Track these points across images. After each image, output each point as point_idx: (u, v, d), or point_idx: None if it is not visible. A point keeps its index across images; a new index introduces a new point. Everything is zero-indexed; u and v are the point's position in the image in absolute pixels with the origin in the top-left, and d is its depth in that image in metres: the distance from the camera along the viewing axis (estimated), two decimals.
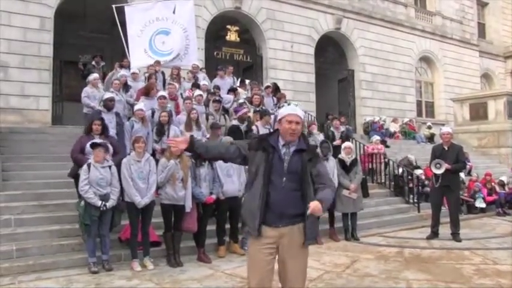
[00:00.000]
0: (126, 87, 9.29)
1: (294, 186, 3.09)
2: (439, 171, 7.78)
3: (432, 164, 7.99)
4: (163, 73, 10.87)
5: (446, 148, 8.12)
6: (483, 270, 5.77)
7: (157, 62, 10.77)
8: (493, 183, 12.05)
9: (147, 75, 10.26)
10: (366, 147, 11.72)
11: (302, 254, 3.18)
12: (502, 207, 11.46)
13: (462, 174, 11.72)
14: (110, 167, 5.94)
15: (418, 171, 11.16)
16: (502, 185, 12.10)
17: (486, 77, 27.72)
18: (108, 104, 7.44)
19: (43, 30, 12.43)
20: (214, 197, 6.56)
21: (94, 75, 9.34)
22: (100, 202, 5.71)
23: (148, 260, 6.07)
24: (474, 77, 25.31)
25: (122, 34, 11.31)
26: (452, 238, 7.83)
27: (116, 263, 6.07)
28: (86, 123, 7.24)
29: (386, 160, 11.66)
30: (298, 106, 12.11)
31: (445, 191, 8.06)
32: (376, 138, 12.70)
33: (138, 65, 10.73)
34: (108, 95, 7.83)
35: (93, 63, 11.82)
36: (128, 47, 11.21)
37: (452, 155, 8.00)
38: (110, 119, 7.18)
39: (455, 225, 7.96)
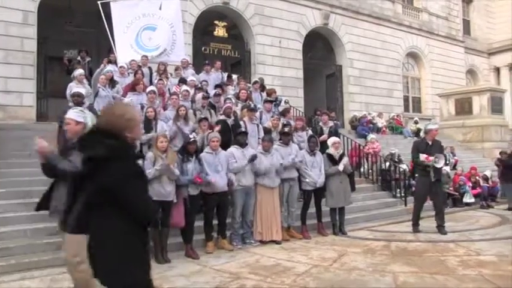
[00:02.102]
0: (112, 82, 9.21)
1: None
2: (439, 165, 7.88)
3: (433, 160, 8.06)
4: (150, 68, 10.81)
5: (430, 143, 8.22)
6: (466, 262, 5.86)
7: (145, 57, 10.71)
8: (477, 177, 12.20)
9: (130, 71, 10.19)
10: (361, 148, 11.81)
11: None
12: (486, 200, 11.65)
13: (448, 168, 11.88)
14: None
15: (404, 166, 11.25)
16: (485, 178, 12.29)
17: (471, 72, 28.03)
18: (76, 100, 7.24)
19: (26, 24, 12.22)
20: (202, 179, 6.49)
21: (79, 71, 9.23)
22: None
23: None
24: (459, 72, 25.58)
25: (107, 29, 11.21)
26: (438, 231, 7.92)
27: None
28: (58, 121, 7.10)
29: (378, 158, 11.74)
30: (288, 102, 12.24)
31: (434, 185, 8.13)
32: (371, 137, 12.76)
33: (125, 60, 10.66)
34: (74, 89, 7.65)
35: (79, 58, 11.70)
36: (114, 42, 11.11)
37: (436, 149, 8.14)
38: None
39: (441, 218, 8.06)
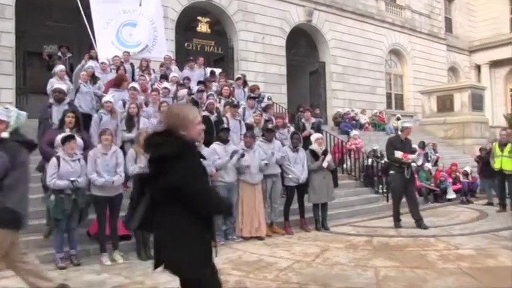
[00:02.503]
0: (94, 78, 9.11)
1: None
2: (420, 163, 8.04)
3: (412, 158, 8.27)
4: (132, 65, 10.71)
5: (404, 140, 8.43)
6: (446, 256, 5.96)
7: (127, 53, 10.61)
8: (457, 173, 12.38)
9: (113, 67, 10.09)
10: (343, 143, 11.88)
11: None
12: (466, 196, 11.82)
13: (429, 165, 12.04)
14: (79, 160, 5.82)
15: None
16: (465, 174, 12.48)
17: (453, 70, 28.39)
18: (58, 96, 7.14)
19: (3, 18, 11.97)
20: None
21: (60, 67, 9.09)
22: (72, 184, 5.56)
23: (118, 254, 6.00)
24: (441, 70, 25.89)
25: (87, 25, 11.05)
26: (417, 226, 8.04)
27: (84, 257, 5.97)
28: (39, 117, 7.03)
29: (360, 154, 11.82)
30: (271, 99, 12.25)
31: (408, 182, 8.29)
32: (354, 133, 12.85)
33: (106, 56, 10.54)
34: (56, 85, 7.55)
35: (59, 54, 11.54)
36: (94, 38, 10.98)
37: (409, 146, 8.44)
38: (61, 111, 6.85)
39: (417, 213, 8.24)
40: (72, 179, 5.60)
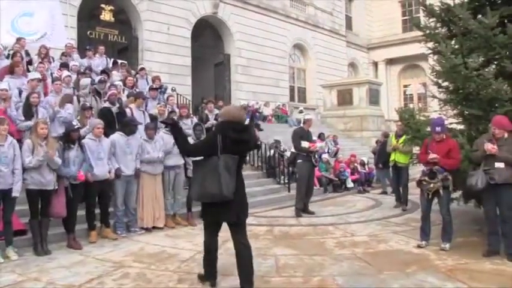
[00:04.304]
0: None
1: None
2: (327, 150, 8.24)
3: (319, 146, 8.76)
4: (27, 52, 9.93)
5: (307, 131, 8.87)
6: (343, 243, 6.21)
7: (23, 39, 9.81)
8: (356, 164, 12.97)
9: (11, 52, 9.29)
10: None
11: None
12: (363, 186, 12.42)
13: (327, 155, 12.47)
14: None
15: (288, 154, 11.57)
16: (363, 164, 13.10)
17: (352, 65, 29.89)
18: None
19: None
20: (83, 174, 6.14)
21: None
22: None
23: (12, 250, 5.52)
24: (342, 65, 27.16)
25: None
26: (307, 212, 8.61)
27: None
28: None
29: (259, 143, 11.95)
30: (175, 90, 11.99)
31: (312, 170, 8.76)
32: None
33: (2, 42, 9.70)
34: None
35: None
36: None
37: (311, 136, 8.96)
38: None
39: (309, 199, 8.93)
40: None
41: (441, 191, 5.64)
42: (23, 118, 7.11)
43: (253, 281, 4.20)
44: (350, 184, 12.34)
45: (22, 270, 5.00)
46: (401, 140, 8.78)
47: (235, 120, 4.17)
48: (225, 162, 3.98)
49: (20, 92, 7.59)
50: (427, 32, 7.03)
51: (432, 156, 5.64)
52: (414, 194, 7.77)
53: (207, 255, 4.48)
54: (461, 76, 5.98)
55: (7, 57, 9.15)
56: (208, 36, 20.82)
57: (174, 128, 4.32)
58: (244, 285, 4.12)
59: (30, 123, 6.86)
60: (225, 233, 6.87)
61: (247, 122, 5.45)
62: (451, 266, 4.99)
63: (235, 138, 4.06)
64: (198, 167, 4.24)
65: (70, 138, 6.20)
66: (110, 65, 11.29)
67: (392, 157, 9.19)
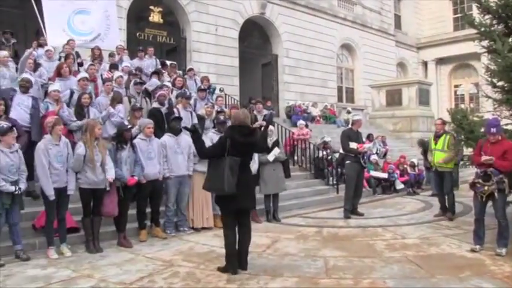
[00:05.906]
0: (35, 66, 8.70)
1: None
2: (375, 150, 8.19)
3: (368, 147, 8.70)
4: (77, 53, 10.31)
5: (356, 131, 8.82)
6: (393, 245, 6.14)
7: (72, 41, 10.19)
8: (405, 165, 12.73)
9: (63, 54, 9.68)
10: (291, 134, 11.95)
11: None
12: (412, 187, 12.18)
13: (375, 157, 12.28)
14: (17, 151, 5.52)
15: (337, 155, 11.50)
16: (412, 166, 12.84)
17: (401, 65, 29.23)
18: (24, 85, 6.88)
19: None
20: (136, 178, 6.34)
21: (4, 53, 8.58)
22: (13, 187, 5.31)
23: (66, 247, 5.78)
24: (390, 65, 26.62)
25: (37, 11, 10.52)
26: (354, 213, 8.55)
27: (30, 251, 5.69)
28: None
29: (307, 144, 11.95)
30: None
31: (361, 171, 8.69)
32: (300, 122, 12.95)
33: (56, 44, 10.08)
34: (23, 75, 7.26)
35: (3, 39, 10.93)
36: (44, 25, 10.48)
37: (360, 137, 8.87)
38: (23, 101, 6.74)
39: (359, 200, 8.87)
40: (13, 178, 5.37)
41: (496, 194, 5.48)
42: (74, 119, 7.30)
43: (247, 260, 5.03)
44: (399, 186, 12.13)
45: (75, 267, 5.20)
46: (440, 140, 8.08)
47: (242, 125, 4.86)
48: (229, 163, 4.68)
49: (72, 93, 7.77)
50: (482, 29, 6.82)
51: (487, 157, 5.49)
52: (467, 196, 7.56)
53: (227, 247, 4.96)
54: None
55: (59, 59, 9.47)
56: (255, 37, 20.91)
57: (194, 134, 4.95)
58: (244, 266, 4.97)
59: (81, 123, 7.01)
60: (273, 233, 7.01)
61: (263, 124, 5.80)
62: (509, 272, 4.83)
63: (242, 141, 4.78)
64: (211, 165, 4.91)
65: (123, 138, 6.35)
66: (159, 66, 11.55)
67: (432, 160, 8.19)
